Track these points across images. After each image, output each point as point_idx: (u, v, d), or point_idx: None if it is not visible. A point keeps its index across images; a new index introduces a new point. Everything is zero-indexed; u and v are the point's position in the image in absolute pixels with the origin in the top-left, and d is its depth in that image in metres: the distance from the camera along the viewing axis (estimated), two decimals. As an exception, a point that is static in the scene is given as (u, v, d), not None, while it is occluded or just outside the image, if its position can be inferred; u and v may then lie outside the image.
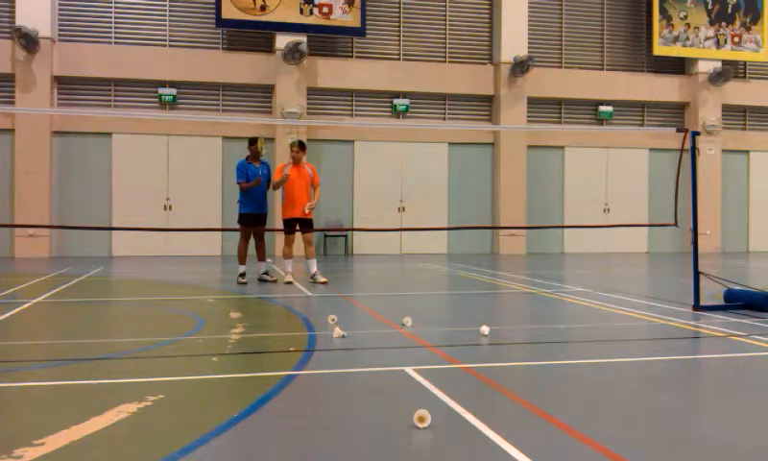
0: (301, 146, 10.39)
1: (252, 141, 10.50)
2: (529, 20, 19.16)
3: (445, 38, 19.18)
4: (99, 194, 17.06)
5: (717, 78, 19.98)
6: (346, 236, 18.23)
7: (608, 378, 4.49)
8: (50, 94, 16.61)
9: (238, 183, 10.35)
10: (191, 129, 17.38)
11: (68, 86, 17.16)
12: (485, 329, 5.85)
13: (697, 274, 7.38)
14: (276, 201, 15.60)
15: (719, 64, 20.24)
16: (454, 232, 18.72)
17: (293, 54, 17.24)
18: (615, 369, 4.78)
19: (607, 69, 20.19)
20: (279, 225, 15.88)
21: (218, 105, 17.85)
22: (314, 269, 10.27)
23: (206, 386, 4.25)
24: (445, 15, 19.17)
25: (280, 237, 17.17)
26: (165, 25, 17.59)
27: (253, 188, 10.27)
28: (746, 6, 20.68)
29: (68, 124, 16.92)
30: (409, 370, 4.48)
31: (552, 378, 4.49)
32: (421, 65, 18.84)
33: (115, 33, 17.36)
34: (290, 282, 10.11)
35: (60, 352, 5.30)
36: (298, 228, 10.26)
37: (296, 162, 10.25)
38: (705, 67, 20.23)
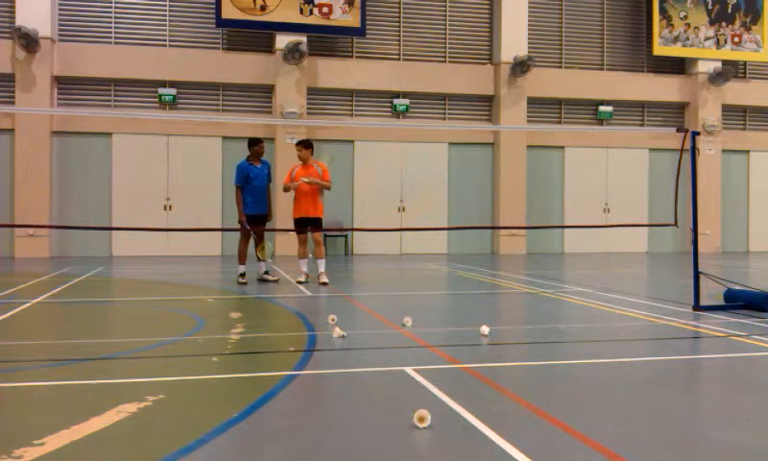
0: (306, 145, 10.29)
1: (254, 142, 10.46)
2: (529, 20, 19.16)
3: (445, 38, 19.18)
4: (99, 194, 17.06)
5: (717, 78, 19.98)
6: (346, 236, 18.23)
7: (608, 378, 4.48)
8: (50, 94, 16.61)
9: (236, 187, 10.34)
10: (191, 129, 17.38)
11: (68, 86, 17.16)
12: (485, 329, 5.84)
13: (697, 274, 7.38)
14: (279, 201, 15.59)
15: (719, 64, 20.24)
16: (454, 232, 18.72)
17: (293, 54, 17.24)
18: (615, 369, 4.78)
19: (607, 69, 20.19)
20: (283, 225, 15.92)
21: (218, 105, 17.85)
22: (321, 269, 10.22)
23: (206, 386, 4.25)
24: (445, 15, 19.17)
25: (281, 237, 17.18)
26: (165, 25, 17.59)
27: (253, 188, 10.25)
28: (746, 6, 20.69)
29: (68, 124, 16.92)
30: (409, 370, 4.47)
31: (552, 378, 4.48)
32: (421, 65, 18.84)
33: (115, 33, 17.37)
34: (302, 282, 10.12)
35: (60, 352, 5.30)
36: (309, 228, 10.24)
37: (303, 162, 10.21)
38: (705, 67, 20.23)
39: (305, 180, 9.95)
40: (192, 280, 11.04)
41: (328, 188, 10.36)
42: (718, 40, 20.40)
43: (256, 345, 5.62)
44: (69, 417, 3.41)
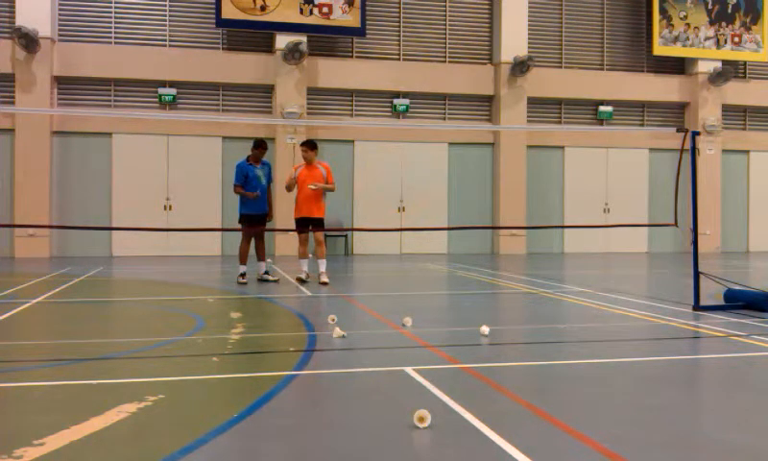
0: (310, 145, 10.27)
1: (258, 144, 10.44)
2: (529, 20, 19.16)
3: (445, 38, 19.17)
4: (99, 194, 17.05)
5: (717, 78, 19.98)
6: (346, 236, 18.23)
7: (608, 378, 4.48)
8: (50, 94, 16.61)
9: (235, 186, 10.34)
10: (191, 129, 17.38)
11: (68, 86, 17.16)
12: (485, 329, 5.85)
13: (697, 274, 7.38)
14: (282, 201, 15.60)
15: (719, 64, 20.24)
16: (454, 232, 18.71)
17: (293, 54, 17.24)
18: (615, 369, 4.78)
19: (607, 69, 20.19)
20: (284, 225, 15.93)
21: (218, 105, 17.85)
22: (322, 269, 10.20)
23: (206, 386, 4.25)
24: (445, 15, 19.17)
25: (281, 237, 17.18)
26: (165, 25, 17.59)
27: (252, 188, 10.24)
28: (746, 6, 20.68)
29: (68, 124, 16.92)
30: (409, 370, 4.48)
31: (552, 378, 4.49)
32: (421, 65, 18.84)
33: (115, 33, 17.36)
34: (303, 280, 10.12)
35: (60, 352, 5.30)
36: (311, 227, 10.23)
37: (307, 162, 10.21)
38: (705, 67, 20.22)
39: (312, 186, 9.97)
40: (192, 280, 11.04)
41: (333, 190, 10.37)
42: (718, 40, 20.40)
43: (256, 345, 5.62)
44: (69, 417, 3.41)
